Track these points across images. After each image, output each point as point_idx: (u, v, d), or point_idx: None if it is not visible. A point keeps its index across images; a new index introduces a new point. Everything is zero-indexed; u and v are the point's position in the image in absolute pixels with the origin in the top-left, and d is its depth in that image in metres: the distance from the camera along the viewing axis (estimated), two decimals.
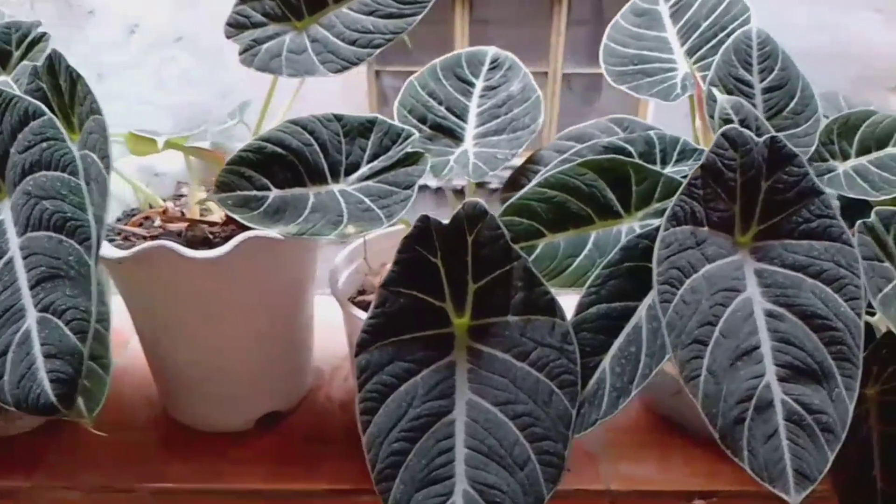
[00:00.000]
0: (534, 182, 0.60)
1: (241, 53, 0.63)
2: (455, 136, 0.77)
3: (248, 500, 0.70)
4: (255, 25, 0.64)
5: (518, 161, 0.77)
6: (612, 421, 0.77)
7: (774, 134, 0.53)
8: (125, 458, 0.72)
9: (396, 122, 0.72)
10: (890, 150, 0.65)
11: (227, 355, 0.71)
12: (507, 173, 0.76)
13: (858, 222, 0.55)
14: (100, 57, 2.99)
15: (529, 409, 0.58)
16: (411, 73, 0.82)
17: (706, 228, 0.53)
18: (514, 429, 0.57)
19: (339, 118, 0.70)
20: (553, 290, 0.60)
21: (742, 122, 0.58)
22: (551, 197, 0.60)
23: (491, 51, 0.82)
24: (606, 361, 0.58)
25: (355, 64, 0.64)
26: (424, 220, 0.60)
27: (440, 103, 0.78)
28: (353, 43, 0.64)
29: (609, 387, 0.57)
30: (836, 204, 0.57)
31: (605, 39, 0.79)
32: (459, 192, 0.82)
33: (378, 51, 0.63)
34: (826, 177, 0.64)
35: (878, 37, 2.98)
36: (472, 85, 0.81)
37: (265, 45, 0.64)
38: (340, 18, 0.65)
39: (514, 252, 0.59)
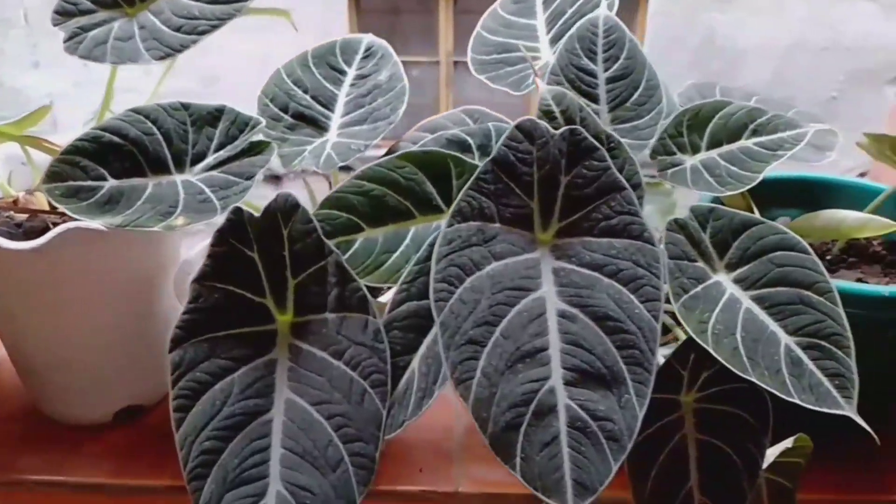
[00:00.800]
0: (353, 174, 0.58)
1: (65, 41, 0.62)
2: (319, 126, 0.75)
3: (92, 494, 0.70)
4: (83, 12, 0.63)
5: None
6: (471, 423, 0.76)
7: (574, 126, 0.50)
8: None
9: (245, 112, 0.70)
10: (742, 143, 0.61)
11: (70, 348, 0.70)
12: None
13: (669, 219, 0.52)
14: None
15: (344, 409, 0.56)
16: None
17: (498, 225, 0.50)
18: (328, 429, 0.56)
19: (185, 106, 0.69)
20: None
21: (564, 113, 0.55)
22: (369, 190, 0.58)
23: (366, 38, 0.80)
24: (415, 361, 0.56)
25: (179, 51, 0.62)
26: (237, 212, 0.58)
27: (305, 92, 0.76)
28: (178, 29, 0.62)
29: (416, 387, 0.55)
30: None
31: (478, 27, 0.76)
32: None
33: (203, 37, 0.62)
34: (670, 171, 0.61)
35: (876, 28, 2.90)
36: (343, 74, 0.79)
37: (91, 33, 0.62)
38: (169, 4, 0.63)
39: (327, 247, 0.57)
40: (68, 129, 0.75)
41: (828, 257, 0.77)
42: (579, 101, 0.56)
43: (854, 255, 0.77)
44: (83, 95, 3.13)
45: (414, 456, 0.71)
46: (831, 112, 2.99)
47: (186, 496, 0.69)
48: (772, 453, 0.56)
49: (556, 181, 0.51)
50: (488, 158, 0.50)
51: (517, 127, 0.50)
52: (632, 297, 0.49)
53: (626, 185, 0.50)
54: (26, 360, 0.73)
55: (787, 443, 0.56)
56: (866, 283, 0.71)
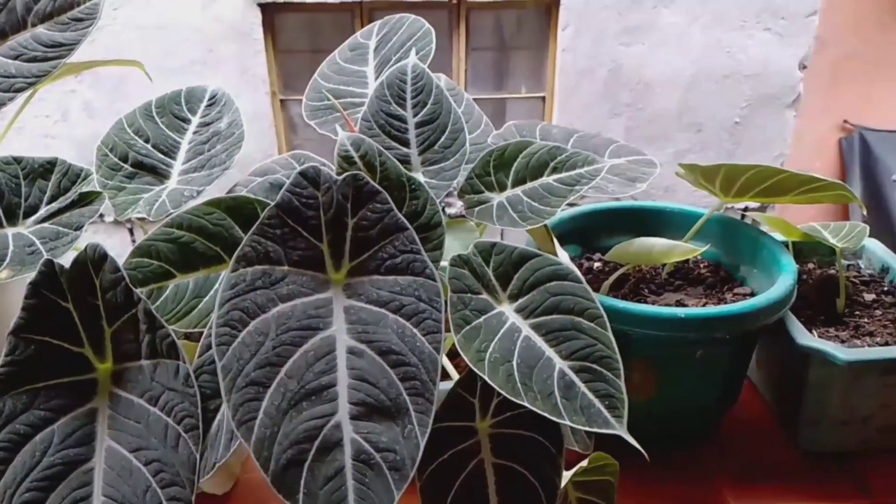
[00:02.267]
0: (162, 222, 0.60)
1: None
2: (159, 174, 0.77)
3: None
4: None
5: None
6: None
7: (356, 172, 0.53)
8: None
9: (78, 164, 0.72)
10: (544, 179, 0.65)
11: None
12: None
13: (452, 255, 0.55)
14: None
15: (160, 454, 0.57)
16: None
17: (286, 267, 0.52)
18: (147, 475, 0.56)
19: (18, 160, 0.70)
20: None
21: (363, 159, 0.58)
22: (178, 237, 0.60)
23: (210, 87, 0.82)
24: (225, 404, 0.57)
25: None
26: (48, 263, 0.59)
27: (147, 141, 0.78)
28: None
29: (225, 429, 0.56)
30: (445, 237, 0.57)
31: (315, 75, 0.79)
32: None
33: (21, 95, 0.63)
34: (477, 209, 0.65)
35: (773, 55, 3.05)
36: (187, 122, 0.81)
37: None
38: None
39: (136, 295, 0.58)
40: None
41: (656, 280, 0.81)
42: (378, 147, 0.59)
43: (680, 277, 0.82)
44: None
45: (265, 494, 0.72)
46: (737, 136, 3.13)
47: None
48: (568, 475, 0.59)
49: (343, 223, 0.53)
50: (272, 204, 0.52)
51: (300, 173, 0.52)
52: (414, 330, 0.51)
53: (408, 226, 0.53)
54: None
55: (583, 463, 0.59)
56: (685, 305, 0.76)
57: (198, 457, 0.57)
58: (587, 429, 0.51)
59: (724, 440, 0.80)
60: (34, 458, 0.57)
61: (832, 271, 0.87)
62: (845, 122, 2.92)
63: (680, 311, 0.64)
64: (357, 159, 0.59)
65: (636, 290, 0.79)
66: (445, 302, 0.53)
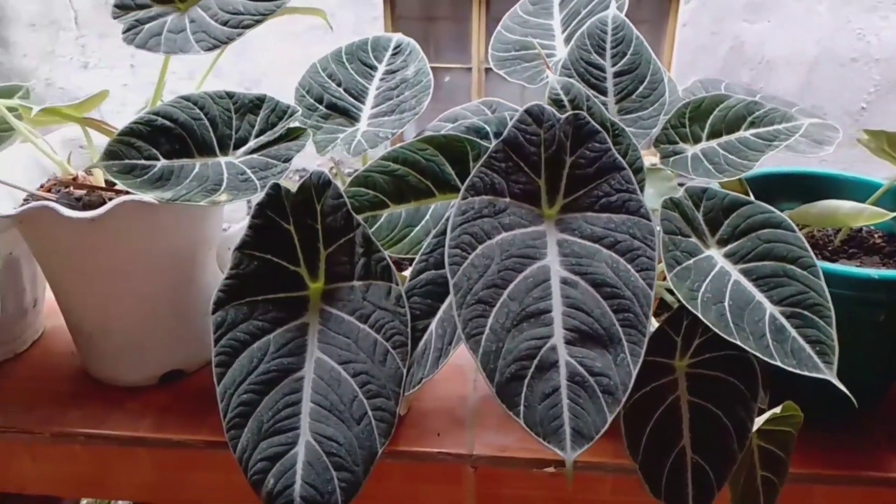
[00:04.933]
0: (380, 156, 0.64)
1: (123, 32, 0.69)
2: (351, 116, 0.81)
3: (132, 447, 0.76)
4: (139, 7, 0.70)
5: None
6: (486, 395, 0.81)
7: (578, 111, 0.55)
8: (33, 404, 0.79)
9: (283, 101, 0.77)
10: (741, 133, 0.66)
11: (118, 315, 0.76)
12: None
13: (664, 198, 0.57)
14: (130, 49, 3.13)
15: (367, 367, 0.62)
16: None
17: (508, 199, 0.56)
18: (354, 386, 0.61)
19: (230, 95, 0.75)
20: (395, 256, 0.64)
21: (572, 102, 0.61)
22: (394, 170, 0.64)
23: (395, 37, 0.86)
24: (433, 324, 0.61)
25: (226, 42, 0.68)
26: (275, 187, 0.64)
27: (339, 84, 0.83)
28: (224, 23, 0.69)
29: (433, 348, 0.60)
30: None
31: (499, 27, 0.82)
32: None
33: (248, 31, 0.68)
34: (672, 159, 0.66)
35: None
36: (374, 69, 0.85)
37: (147, 25, 0.69)
38: (217, 1, 0.70)
39: (355, 220, 0.63)
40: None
41: (829, 247, 0.81)
42: (586, 92, 0.61)
43: (855, 246, 0.81)
44: (130, 96, 3.26)
45: (432, 421, 0.77)
46: (862, 122, 2.99)
47: (220, 452, 0.76)
48: (760, 421, 0.60)
49: (561, 161, 0.56)
50: (499, 139, 0.55)
51: (526, 111, 0.55)
52: (628, 266, 0.54)
53: (625, 166, 0.55)
54: (79, 326, 0.80)
55: (776, 410, 0.60)
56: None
57: (404, 372, 0.61)
58: (797, 371, 0.52)
59: (889, 409, 0.79)
60: (251, 363, 0.62)
61: None
62: None
63: (873, 272, 0.64)
64: (566, 102, 0.61)
65: None
66: None
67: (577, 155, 0.56)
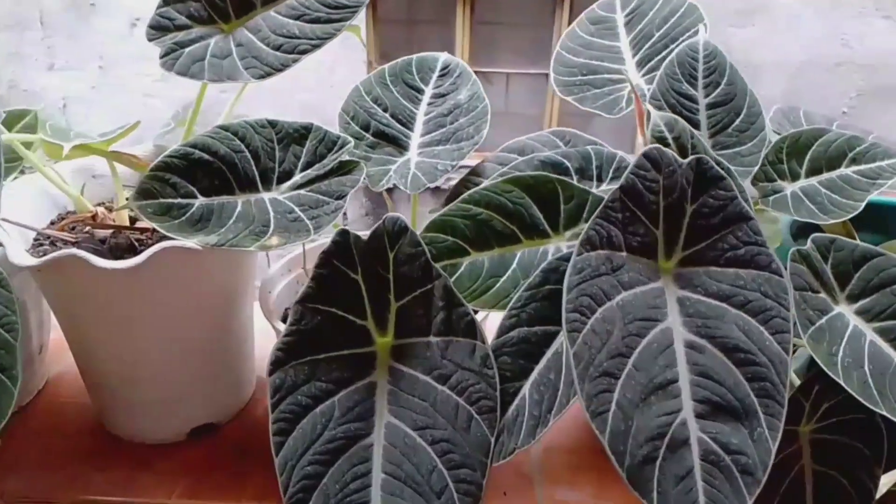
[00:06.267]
0: (459, 198, 0.58)
1: (161, 57, 0.61)
2: (399, 145, 0.75)
3: None
4: (179, 28, 0.62)
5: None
6: (551, 442, 0.75)
7: (701, 155, 0.50)
8: (49, 466, 0.70)
9: (333, 130, 0.70)
10: (842, 171, 0.61)
11: (148, 365, 0.68)
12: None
13: (792, 250, 0.52)
14: (103, 48, 2.98)
15: (448, 434, 0.55)
16: None
17: (625, 254, 0.50)
18: (432, 455, 0.55)
19: (273, 124, 0.68)
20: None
21: (677, 140, 0.55)
22: (476, 214, 0.57)
23: (442, 57, 0.80)
24: (526, 388, 0.55)
25: (280, 70, 0.61)
26: (343, 234, 0.57)
27: (385, 110, 0.76)
28: (278, 48, 0.61)
29: (528, 414, 0.54)
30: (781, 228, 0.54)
31: (557, 47, 0.76)
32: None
33: (304, 57, 0.61)
34: (772, 198, 0.61)
35: (890, 45, 2.92)
36: (420, 92, 0.78)
37: (188, 49, 0.61)
38: (267, 22, 0.62)
39: (435, 270, 0.57)
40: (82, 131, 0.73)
41: None
42: (691, 129, 0.55)
43: None
44: (99, 99, 3.11)
45: (495, 479, 0.71)
46: (843, 127, 3.00)
47: None
48: (884, 483, 0.55)
49: (681, 210, 0.50)
50: (616, 186, 0.49)
51: (645, 156, 0.49)
52: (761, 328, 0.48)
53: (752, 215, 0.50)
54: (99, 377, 0.71)
55: None
56: None
57: (492, 441, 0.55)
58: None
59: None
60: (315, 430, 0.56)
61: None
62: None
63: None
64: (671, 141, 0.55)
65: None
66: None
67: (699, 203, 0.50)
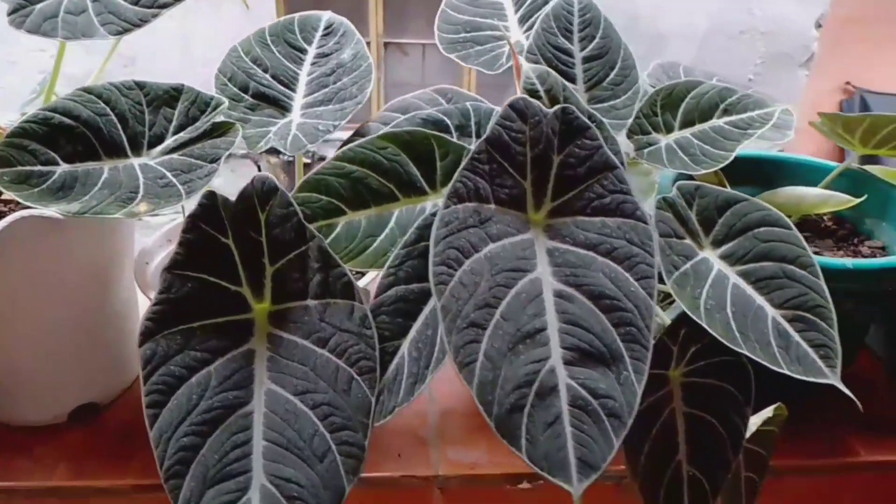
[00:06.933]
0: (332, 156, 0.56)
1: (9, 14, 0.57)
2: (281, 106, 0.72)
3: (46, 498, 0.65)
4: None
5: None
6: (448, 406, 0.75)
7: (566, 105, 0.50)
8: None
9: (205, 91, 0.67)
10: (714, 122, 0.63)
11: (15, 346, 0.65)
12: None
13: (658, 197, 0.53)
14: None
15: (329, 397, 0.54)
16: None
17: (493, 206, 0.49)
18: (314, 419, 0.54)
19: (141, 85, 0.65)
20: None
21: (549, 93, 0.55)
22: (350, 172, 0.56)
23: (325, 16, 0.77)
24: (405, 346, 0.54)
25: (138, 26, 0.58)
26: (210, 196, 0.55)
27: (266, 70, 0.73)
28: (136, 2, 0.58)
29: (407, 372, 0.54)
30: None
31: (443, 5, 0.75)
32: (290, 163, 0.78)
33: (165, 11, 0.58)
34: (646, 150, 0.62)
35: (791, 14, 3.03)
36: (303, 52, 0.76)
37: (39, 6, 0.57)
38: None
39: (309, 232, 0.55)
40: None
41: None
42: (563, 81, 0.55)
43: (807, 230, 0.80)
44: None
45: (391, 442, 0.70)
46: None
47: (153, 495, 0.66)
48: (753, 423, 0.58)
49: (549, 160, 0.50)
50: (482, 138, 0.48)
51: (510, 106, 0.49)
52: (627, 275, 0.49)
53: (618, 164, 0.50)
54: None
55: (768, 412, 0.58)
56: (821, 255, 0.74)
57: (373, 400, 0.54)
58: (804, 378, 0.50)
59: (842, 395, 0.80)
60: (191, 401, 0.54)
61: None
62: (847, 83, 2.91)
63: (848, 262, 0.63)
64: (542, 93, 0.55)
65: None
66: None
67: (565, 153, 0.50)
